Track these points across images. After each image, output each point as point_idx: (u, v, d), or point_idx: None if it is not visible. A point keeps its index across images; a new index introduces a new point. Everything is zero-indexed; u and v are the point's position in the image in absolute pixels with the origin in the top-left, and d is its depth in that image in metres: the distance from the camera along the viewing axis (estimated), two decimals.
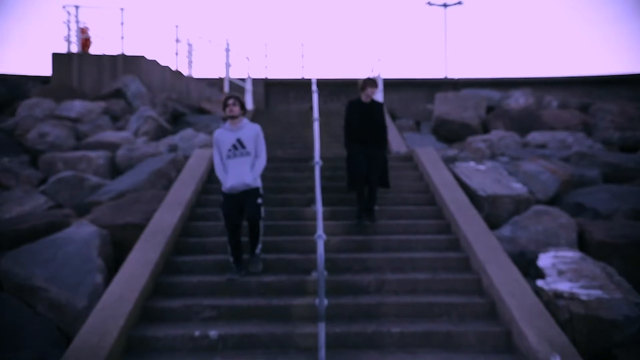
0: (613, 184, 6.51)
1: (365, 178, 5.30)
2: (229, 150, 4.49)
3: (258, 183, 4.53)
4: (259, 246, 4.58)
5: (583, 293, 4.09)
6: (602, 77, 13.58)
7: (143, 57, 10.88)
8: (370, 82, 5.40)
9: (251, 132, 4.54)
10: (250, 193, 4.45)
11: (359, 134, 5.36)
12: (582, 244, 5.27)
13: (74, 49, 11.09)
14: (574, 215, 5.93)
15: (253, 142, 4.52)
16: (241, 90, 12.83)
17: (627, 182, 6.78)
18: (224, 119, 4.55)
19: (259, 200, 4.48)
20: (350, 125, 5.40)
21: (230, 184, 4.44)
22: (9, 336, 4.08)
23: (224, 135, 4.53)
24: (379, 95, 10.70)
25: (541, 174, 6.42)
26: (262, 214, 4.51)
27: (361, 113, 5.37)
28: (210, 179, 6.50)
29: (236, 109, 4.49)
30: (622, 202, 5.89)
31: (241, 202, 4.45)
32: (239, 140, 4.49)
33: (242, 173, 4.43)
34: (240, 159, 4.47)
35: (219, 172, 4.52)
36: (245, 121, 4.59)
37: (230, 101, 4.49)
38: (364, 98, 5.42)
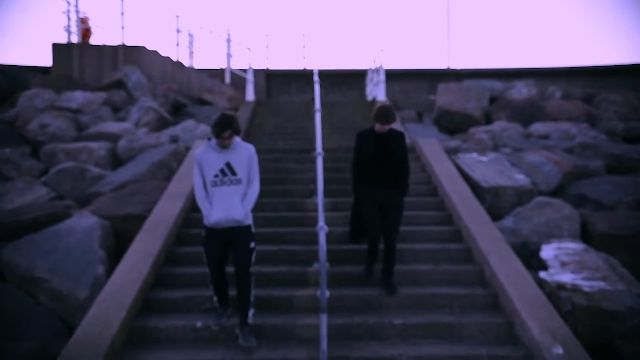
0: (616, 175, 6.48)
1: (378, 232, 4.19)
2: (216, 176, 3.64)
3: (249, 219, 3.70)
4: (251, 311, 3.69)
5: (586, 284, 4.08)
6: (606, 68, 13.47)
7: (144, 47, 10.81)
8: (383, 117, 4.15)
9: (243, 154, 3.69)
10: (240, 232, 3.66)
11: (371, 174, 4.23)
12: (585, 235, 5.25)
13: (74, 39, 11.03)
14: (577, 207, 5.90)
15: (246, 167, 3.68)
16: (242, 81, 12.77)
17: (630, 173, 6.74)
18: (209, 138, 3.75)
19: (251, 244, 3.68)
20: (361, 163, 4.27)
21: (216, 219, 3.61)
22: (12, 326, 4.10)
23: (210, 157, 3.67)
24: (380, 88, 10.64)
25: (544, 165, 6.38)
26: (253, 259, 3.69)
27: (375, 147, 4.23)
28: (214, 135, 6.46)
29: (229, 140, 3.65)
30: (625, 193, 5.86)
31: (228, 239, 3.68)
32: (228, 165, 3.65)
33: (230, 206, 3.60)
34: (228, 188, 3.63)
35: (200, 201, 3.68)
36: (236, 141, 3.73)
37: (225, 134, 3.59)
38: (378, 128, 4.22)
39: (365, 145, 4.27)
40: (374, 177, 4.24)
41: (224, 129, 3.59)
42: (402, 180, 4.26)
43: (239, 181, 3.66)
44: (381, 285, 4.38)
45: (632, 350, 3.79)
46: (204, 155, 3.69)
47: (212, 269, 3.73)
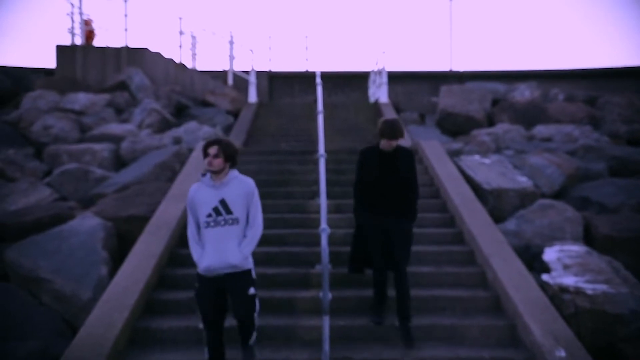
0: (619, 178, 6.47)
1: (384, 263, 3.80)
2: (208, 215, 3.15)
3: (249, 263, 3.20)
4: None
5: (588, 287, 4.07)
6: (610, 70, 13.44)
7: (147, 49, 10.85)
8: (389, 132, 3.72)
9: (240, 189, 3.20)
10: (237, 278, 3.14)
11: (376, 198, 3.79)
12: (588, 237, 5.24)
13: (78, 41, 11.08)
14: (580, 209, 5.89)
15: (243, 204, 3.19)
16: (245, 82, 12.79)
17: (633, 175, 6.72)
18: (203, 174, 3.30)
19: (251, 290, 3.17)
20: (364, 185, 3.83)
21: (207, 264, 3.12)
22: (15, 326, 4.11)
23: (202, 194, 3.20)
24: (383, 90, 10.64)
25: (547, 168, 6.37)
26: (257, 307, 3.23)
27: (380, 167, 3.79)
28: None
29: (217, 162, 3.16)
30: (628, 196, 5.85)
31: (224, 290, 3.16)
32: (222, 202, 3.16)
33: (225, 249, 3.12)
34: (223, 229, 3.14)
35: (192, 245, 3.22)
36: (232, 174, 3.25)
37: (211, 150, 3.16)
38: (383, 145, 3.79)
39: (368, 164, 3.81)
40: (379, 201, 3.77)
41: (209, 144, 3.17)
42: (410, 204, 3.79)
43: (235, 220, 3.15)
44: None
45: (635, 353, 3.78)
46: (196, 192, 3.22)
47: (206, 325, 3.19)
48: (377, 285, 3.90)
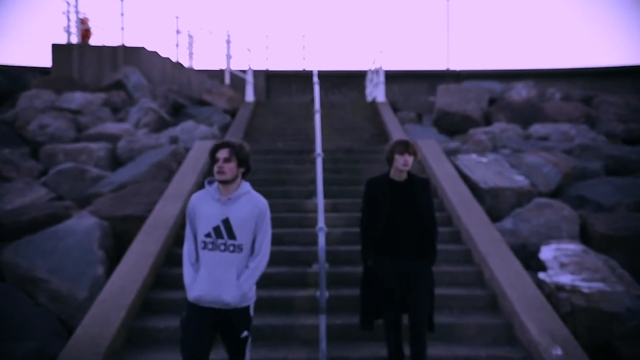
0: (616, 177, 6.49)
1: (398, 312, 3.23)
2: (207, 235, 2.62)
3: (248, 299, 2.66)
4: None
5: (585, 286, 4.08)
6: (606, 69, 13.48)
7: (143, 48, 10.82)
8: (401, 147, 3.22)
9: (250, 209, 2.65)
10: (230, 316, 2.62)
11: (387, 237, 3.24)
12: (584, 236, 5.26)
13: (74, 40, 11.04)
14: (576, 208, 5.91)
15: (250, 228, 2.65)
16: (242, 81, 12.77)
17: (629, 174, 6.75)
18: (210, 181, 2.78)
19: (244, 333, 2.65)
20: (372, 221, 3.27)
21: (198, 294, 2.60)
22: (11, 327, 4.09)
23: (205, 207, 2.67)
24: (380, 89, 10.64)
25: (543, 167, 6.39)
26: (249, 345, 2.72)
27: (392, 199, 3.25)
28: (212, 170, 6.47)
29: (229, 168, 2.61)
30: (624, 195, 5.87)
31: (214, 325, 2.64)
32: (226, 223, 2.62)
33: (220, 281, 2.59)
34: (221, 256, 2.60)
35: (186, 265, 2.68)
36: (244, 188, 2.69)
37: (222, 153, 2.63)
38: (394, 174, 3.29)
39: (378, 196, 3.25)
40: (391, 241, 3.22)
41: (219, 145, 2.64)
42: (429, 244, 3.24)
43: (237, 248, 2.62)
44: None
45: (632, 351, 3.79)
46: (198, 203, 2.68)
47: None
48: (391, 345, 3.22)
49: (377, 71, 10.89)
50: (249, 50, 12.21)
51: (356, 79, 14.01)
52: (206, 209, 2.67)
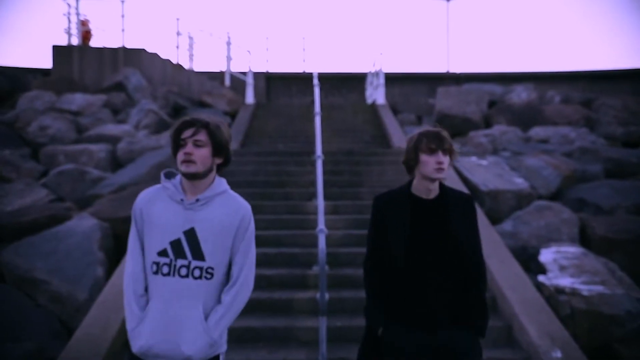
0: (615, 180, 6.50)
1: None
2: (161, 253, 1.82)
3: (220, 346, 1.85)
4: None
5: (584, 288, 4.08)
6: (606, 72, 13.51)
7: (144, 50, 10.83)
8: (432, 140, 2.01)
9: (225, 216, 1.86)
10: None
11: (408, 289, 2.03)
12: (584, 239, 5.26)
13: (75, 41, 11.05)
14: (576, 211, 5.92)
15: (226, 242, 1.85)
16: (242, 83, 12.79)
17: (629, 177, 6.76)
18: (169, 173, 1.92)
19: None
20: (382, 264, 2.08)
21: (144, 344, 1.81)
22: (11, 328, 4.09)
23: (160, 211, 1.86)
24: (380, 92, 10.65)
25: (543, 169, 6.39)
26: None
27: (415, 230, 2.05)
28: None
29: (201, 155, 1.81)
30: (624, 198, 5.88)
31: None
32: (190, 236, 1.82)
33: (181, 323, 1.80)
34: (182, 283, 1.81)
35: (128, 297, 1.85)
36: (218, 186, 1.89)
37: (189, 134, 1.81)
38: (419, 187, 2.07)
39: (391, 224, 2.03)
40: (414, 296, 1.99)
41: (189, 123, 1.81)
42: (475, 299, 2.02)
43: (206, 272, 1.80)
44: None
45: (631, 353, 3.79)
46: (150, 204, 1.86)
47: None
48: None
49: (377, 73, 10.90)
50: (249, 52, 12.24)
51: (356, 81, 14.02)
52: (161, 214, 1.81)
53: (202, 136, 1.82)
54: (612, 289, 4.08)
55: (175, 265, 1.80)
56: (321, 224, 3.95)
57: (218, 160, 1.87)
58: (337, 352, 3.63)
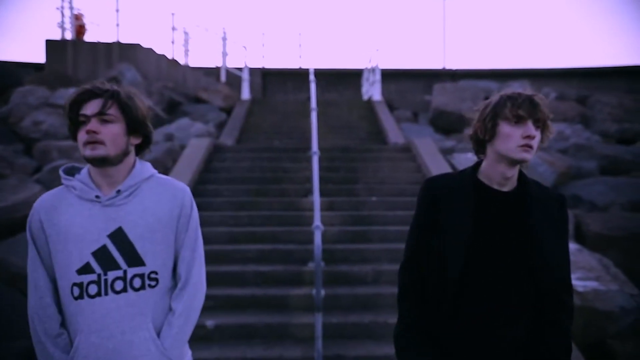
0: (610, 176, 6.53)
1: None
2: (82, 270, 1.40)
3: None
4: None
5: (579, 284, 4.10)
6: (601, 69, 13.56)
7: (139, 45, 10.76)
8: (520, 105, 1.38)
9: (161, 203, 1.47)
10: None
11: (466, 318, 1.40)
12: (579, 235, 5.28)
13: (68, 36, 10.95)
14: (571, 207, 5.93)
15: (167, 236, 1.48)
16: (238, 79, 12.74)
17: (624, 174, 6.79)
18: (68, 170, 1.48)
19: None
20: (432, 273, 1.48)
21: None
22: (4, 326, 4.06)
23: (69, 217, 1.43)
24: (376, 88, 10.63)
25: (539, 166, 6.41)
26: None
27: (479, 231, 1.42)
28: (207, 168, 6.45)
29: (110, 134, 1.40)
30: (619, 194, 5.91)
31: None
32: (117, 237, 1.42)
33: (126, 354, 1.41)
34: (121, 302, 1.41)
35: (38, 345, 1.41)
36: (142, 170, 1.50)
37: (92, 107, 1.39)
38: (491, 171, 1.50)
39: (450, 219, 1.47)
40: (470, 326, 1.43)
41: (91, 93, 1.40)
42: (559, 333, 1.44)
43: (149, 280, 1.45)
44: (375, 283, 4.34)
45: (624, 349, 3.81)
46: (53, 213, 1.45)
47: None
48: None
49: (373, 70, 10.88)
50: (245, 47, 12.18)
51: (352, 77, 14.00)
52: (72, 221, 1.42)
53: (112, 110, 1.40)
54: (606, 285, 4.10)
55: (106, 280, 1.39)
56: (317, 221, 3.94)
57: (135, 140, 1.47)
58: (333, 349, 3.63)
